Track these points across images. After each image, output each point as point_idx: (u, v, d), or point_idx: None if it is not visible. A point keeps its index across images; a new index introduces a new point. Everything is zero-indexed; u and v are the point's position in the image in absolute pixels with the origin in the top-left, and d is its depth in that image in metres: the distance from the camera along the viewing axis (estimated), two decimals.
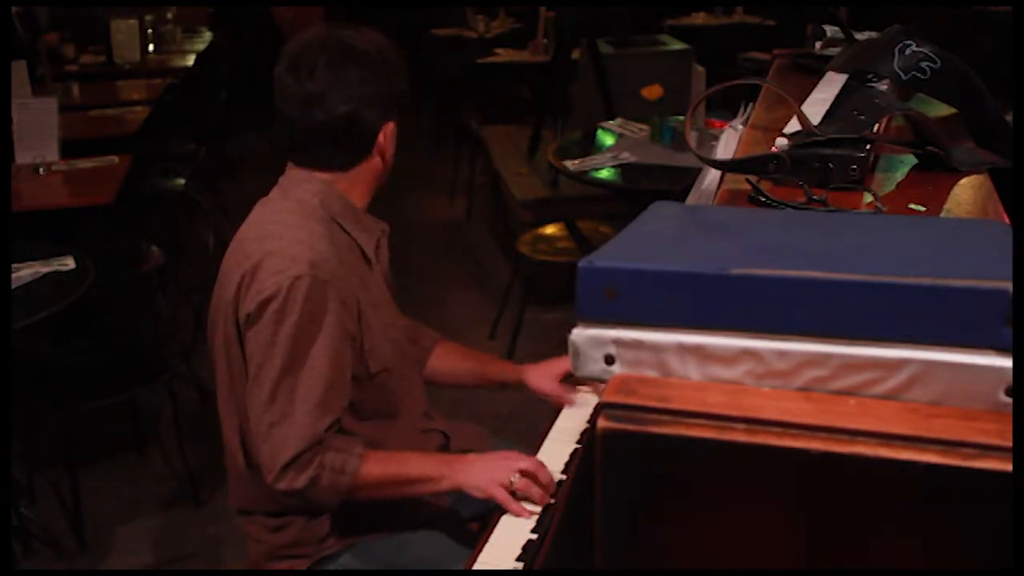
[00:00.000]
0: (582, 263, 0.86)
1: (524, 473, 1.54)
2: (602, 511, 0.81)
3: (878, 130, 1.35)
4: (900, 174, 1.35)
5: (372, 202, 1.75)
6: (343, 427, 1.63)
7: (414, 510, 1.73)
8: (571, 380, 1.86)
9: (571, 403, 1.83)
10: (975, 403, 0.77)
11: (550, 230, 4.16)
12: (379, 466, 1.60)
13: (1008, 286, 0.74)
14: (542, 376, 1.89)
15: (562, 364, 1.88)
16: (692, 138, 2.42)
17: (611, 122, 4.20)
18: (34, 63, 4.77)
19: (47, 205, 3.39)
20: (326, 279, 1.56)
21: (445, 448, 1.85)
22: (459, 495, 1.82)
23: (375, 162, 1.68)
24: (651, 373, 0.85)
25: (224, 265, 1.67)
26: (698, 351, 0.83)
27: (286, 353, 1.55)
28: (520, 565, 1.39)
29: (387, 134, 1.67)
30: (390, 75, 1.63)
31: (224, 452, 1.76)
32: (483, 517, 1.73)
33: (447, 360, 1.99)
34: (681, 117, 3.87)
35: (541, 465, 1.58)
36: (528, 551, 1.42)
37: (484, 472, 1.57)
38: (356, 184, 1.68)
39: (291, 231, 1.60)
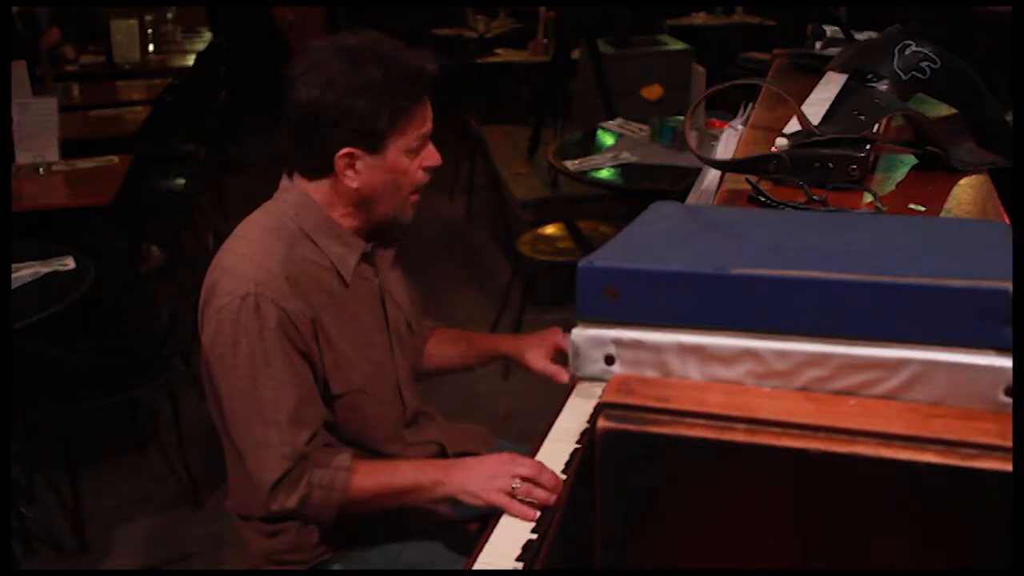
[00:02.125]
0: (582, 263, 0.86)
1: (524, 479, 1.50)
2: (602, 511, 0.81)
3: (878, 130, 1.35)
4: (900, 174, 1.35)
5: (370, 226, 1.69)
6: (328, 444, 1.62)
7: (411, 519, 1.71)
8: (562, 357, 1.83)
9: (563, 380, 1.77)
10: (975, 403, 0.77)
11: (550, 230, 4.16)
12: (369, 478, 1.59)
13: (1008, 286, 0.74)
14: (536, 356, 1.84)
15: (556, 337, 1.85)
16: (692, 138, 2.42)
17: (611, 122, 4.20)
18: (34, 63, 4.77)
19: (47, 205, 3.40)
20: (271, 297, 1.54)
21: (441, 456, 1.81)
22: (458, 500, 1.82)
23: (347, 185, 1.60)
24: (651, 373, 0.85)
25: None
26: (698, 351, 0.83)
27: (247, 376, 1.55)
28: (520, 565, 1.39)
29: (351, 162, 1.58)
30: (364, 99, 1.54)
31: (224, 455, 1.76)
32: (483, 518, 1.72)
33: (438, 347, 1.98)
34: (681, 117, 3.87)
35: (541, 467, 1.52)
36: (528, 551, 1.41)
37: (481, 478, 1.53)
38: (335, 203, 1.63)
39: (247, 246, 1.60)
